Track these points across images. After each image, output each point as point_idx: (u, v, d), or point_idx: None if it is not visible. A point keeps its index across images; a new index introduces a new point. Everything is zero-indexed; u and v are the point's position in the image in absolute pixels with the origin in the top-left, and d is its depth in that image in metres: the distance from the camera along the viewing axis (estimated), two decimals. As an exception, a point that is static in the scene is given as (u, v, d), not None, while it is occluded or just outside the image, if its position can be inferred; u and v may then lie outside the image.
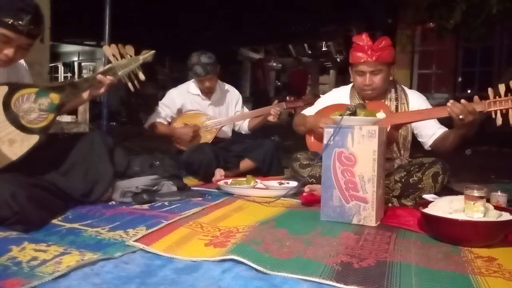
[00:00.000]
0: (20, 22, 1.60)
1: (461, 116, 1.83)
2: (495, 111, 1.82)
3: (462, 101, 1.84)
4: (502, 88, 1.81)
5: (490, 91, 1.83)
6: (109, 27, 3.93)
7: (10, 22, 1.59)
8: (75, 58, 14.62)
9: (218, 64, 2.87)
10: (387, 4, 6.93)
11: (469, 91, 7.58)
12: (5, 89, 1.68)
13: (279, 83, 11.20)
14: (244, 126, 3.12)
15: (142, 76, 2.05)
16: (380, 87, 2.15)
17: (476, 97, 1.86)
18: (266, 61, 10.47)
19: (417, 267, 1.22)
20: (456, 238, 1.44)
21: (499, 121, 1.81)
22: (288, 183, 2.33)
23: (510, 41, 7.27)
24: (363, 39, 2.12)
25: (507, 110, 1.80)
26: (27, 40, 1.67)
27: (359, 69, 2.13)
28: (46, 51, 3.62)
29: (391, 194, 2.02)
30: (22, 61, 1.89)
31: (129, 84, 2.04)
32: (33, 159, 1.70)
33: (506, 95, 1.81)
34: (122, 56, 2.03)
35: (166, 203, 1.95)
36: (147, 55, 2.09)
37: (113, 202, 1.94)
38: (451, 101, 1.86)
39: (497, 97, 1.82)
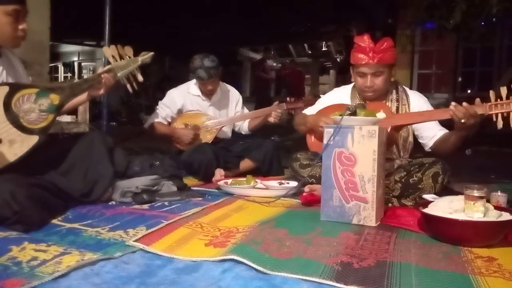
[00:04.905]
0: None
1: (462, 120, 1.82)
2: (496, 114, 1.80)
3: (464, 104, 1.83)
4: (504, 91, 1.79)
5: (491, 93, 1.82)
6: (109, 27, 3.94)
7: None
8: (75, 58, 14.63)
9: (220, 66, 2.87)
10: (387, 4, 6.94)
11: (469, 91, 7.59)
12: (6, 89, 1.69)
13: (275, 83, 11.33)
14: (244, 126, 3.12)
15: (140, 78, 2.05)
16: (381, 89, 2.15)
17: (477, 100, 1.84)
18: (266, 61, 10.47)
19: (417, 267, 1.22)
20: (456, 238, 1.44)
21: (500, 124, 1.79)
22: (288, 183, 2.33)
23: (510, 41, 7.27)
24: (364, 40, 2.10)
25: (508, 113, 1.78)
26: (26, 6, 1.75)
27: (360, 70, 2.13)
28: (46, 51, 3.62)
29: (391, 194, 2.02)
30: (18, 60, 1.91)
31: (128, 86, 2.04)
32: (33, 159, 1.70)
33: (508, 98, 1.79)
34: (121, 57, 2.03)
35: (166, 203, 1.95)
36: (146, 56, 2.10)
37: (113, 202, 1.94)
38: (453, 103, 1.85)
39: (498, 99, 1.81)
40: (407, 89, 2.29)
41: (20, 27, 1.74)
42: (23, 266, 1.15)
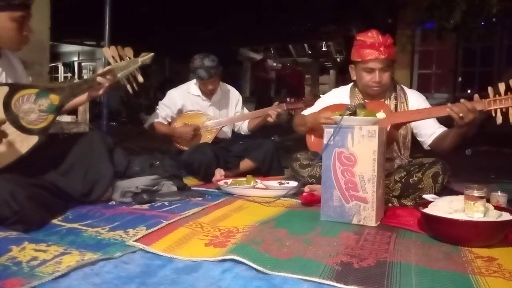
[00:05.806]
0: None
1: (461, 114, 1.83)
2: (495, 110, 1.82)
3: (462, 100, 1.84)
4: (502, 87, 1.81)
5: (490, 89, 1.84)
6: (109, 27, 3.93)
7: (20, 2, 1.68)
8: (75, 58, 14.63)
9: (220, 66, 2.87)
10: (387, 4, 6.93)
11: (469, 91, 7.58)
12: (5, 89, 1.69)
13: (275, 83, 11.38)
14: (243, 126, 3.12)
15: (140, 78, 2.06)
16: (387, 84, 2.15)
17: (476, 96, 1.86)
18: (266, 61, 10.49)
19: (417, 267, 1.22)
20: (456, 238, 1.44)
21: (499, 119, 1.81)
22: (288, 183, 2.33)
23: (510, 41, 7.26)
24: (373, 36, 2.09)
25: (507, 108, 1.80)
26: (30, 11, 1.76)
27: (369, 66, 2.11)
28: (46, 51, 3.62)
29: (391, 194, 2.02)
30: (18, 60, 1.91)
31: (128, 87, 2.05)
32: (33, 159, 1.70)
33: (506, 93, 1.81)
34: (121, 58, 2.04)
35: (166, 203, 1.95)
36: (146, 57, 2.10)
37: (113, 202, 1.94)
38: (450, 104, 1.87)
39: (497, 95, 1.83)
40: (405, 87, 2.29)
41: (25, 33, 1.75)
42: (23, 266, 1.15)
